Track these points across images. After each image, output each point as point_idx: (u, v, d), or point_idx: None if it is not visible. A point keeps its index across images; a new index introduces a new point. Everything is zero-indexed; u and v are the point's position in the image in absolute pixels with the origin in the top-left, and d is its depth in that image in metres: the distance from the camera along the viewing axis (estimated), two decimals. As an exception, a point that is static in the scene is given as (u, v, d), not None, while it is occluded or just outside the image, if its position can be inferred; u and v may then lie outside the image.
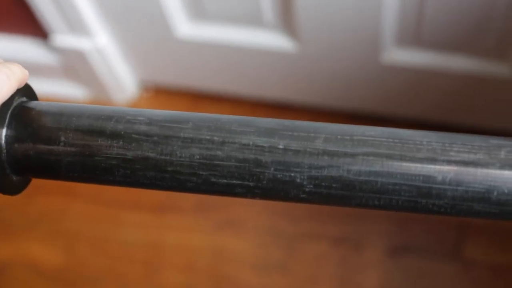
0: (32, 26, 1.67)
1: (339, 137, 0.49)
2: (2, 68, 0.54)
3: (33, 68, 1.76)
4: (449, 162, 0.48)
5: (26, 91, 0.56)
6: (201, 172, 0.51)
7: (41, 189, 1.69)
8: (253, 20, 1.49)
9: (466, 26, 1.34)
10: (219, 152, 0.50)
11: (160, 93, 1.80)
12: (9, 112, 0.53)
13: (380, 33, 1.39)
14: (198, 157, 0.50)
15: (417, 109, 1.60)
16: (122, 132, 0.52)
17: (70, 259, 1.63)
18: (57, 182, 1.60)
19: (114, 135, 0.52)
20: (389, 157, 0.48)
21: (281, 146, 0.49)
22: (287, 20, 1.46)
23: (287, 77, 1.62)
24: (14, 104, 0.54)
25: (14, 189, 0.56)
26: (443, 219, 1.53)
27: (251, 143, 0.50)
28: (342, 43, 1.45)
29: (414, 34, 1.40)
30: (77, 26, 1.57)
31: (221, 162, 0.50)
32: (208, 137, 0.51)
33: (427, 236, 1.54)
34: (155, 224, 1.63)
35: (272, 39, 1.52)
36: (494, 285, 1.48)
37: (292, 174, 0.49)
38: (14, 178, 0.55)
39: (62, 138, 0.52)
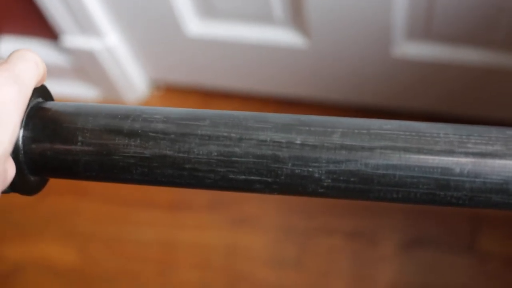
0: (42, 28, 1.67)
1: (356, 131, 0.50)
2: (31, 55, 0.54)
3: (44, 69, 1.76)
4: (467, 154, 0.48)
5: (42, 92, 0.56)
6: (219, 169, 0.51)
7: (53, 189, 1.69)
8: (263, 16, 1.49)
9: (476, 18, 1.34)
10: (236, 149, 0.50)
11: (171, 91, 1.81)
12: (26, 112, 0.53)
13: (390, 27, 1.39)
14: (215, 154, 0.51)
15: (428, 101, 1.60)
16: (139, 131, 0.52)
17: (84, 259, 1.63)
18: (68, 181, 1.60)
19: (131, 134, 0.52)
20: (407, 150, 0.48)
21: (298, 141, 0.50)
22: (296, 16, 1.46)
23: (298, 73, 1.62)
24: (31, 104, 0.54)
25: (31, 190, 0.56)
26: (456, 212, 1.53)
27: (268, 139, 0.50)
28: (352, 37, 1.45)
29: (424, 27, 1.40)
30: (87, 26, 1.58)
31: (239, 159, 0.50)
32: (225, 134, 0.51)
33: (441, 229, 1.54)
34: (169, 222, 1.63)
35: (282, 36, 1.52)
36: (509, 277, 1.48)
37: (310, 169, 0.49)
38: (32, 178, 0.55)
39: (80, 138, 0.52)
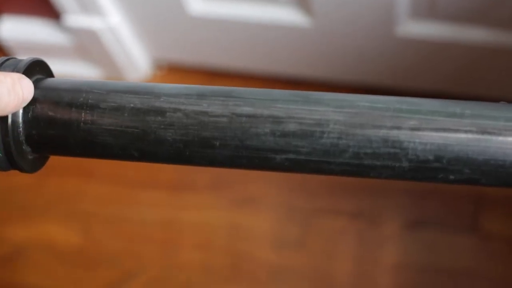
0: (44, 7, 1.67)
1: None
2: (4, 80, 0.51)
3: (46, 49, 1.76)
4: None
5: (42, 69, 0.56)
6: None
7: (56, 170, 1.69)
8: (266, -5, 1.48)
9: (481, -4, 1.33)
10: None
11: (174, 71, 1.80)
12: None
13: (394, 5, 1.38)
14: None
15: (432, 81, 1.60)
16: (142, 107, 0.51)
17: (87, 240, 1.63)
18: (72, 162, 1.59)
19: (133, 111, 0.51)
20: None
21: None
22: (300, -5, 1.45)
23: (301, 52, 1.61)
24: (31, 81, 0.54)
25: (32, 167, 0.55)
26: (459, 192, 1.53)
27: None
28: (356, 16, 1.44)
29: (428, 6, 1.39)
30: (89, 5, 1.57)
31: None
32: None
33: (444, 210, 1.53)
34: (172, 203, 1.63)
35: (285, 14, 1.51)
36: (513, 258, 1.48)
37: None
38: (32, 156, 0.55)
39: (80, 115, 0.52)
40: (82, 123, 0.52)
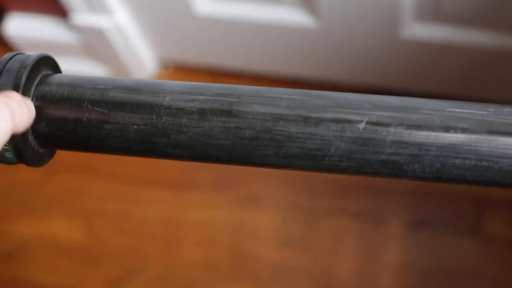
0: (52, 5, 1.67)
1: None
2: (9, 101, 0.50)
3: (53, 47, 1.77)
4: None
5: (50, 64, 0.57)
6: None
7: (61, 167, 1.70)
8: (272, -4, 1.49)
9: (485, -1, 1.34)
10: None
11: (180, 70, 1.81)
12: (34, 84, 0.54)
13: (399, 7, 1.38)
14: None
15: (436, 83, 1.60)
16: (147, 103, 0.52)
17: (91, 237, 1.64)
18: (76, 159, 1.60)
19: (139, 106, 0.52)
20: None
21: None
22: (305, -4, 1.46)
23: (306, 53, 1.62)
24: (39, 77, 0.55)
25: (39, 161, 0.56)
26: (461, 194, 1.53)
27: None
28: (361, 18, 1.45)
29: (433, 8, 1.39)
30: (96, 4, 1.58)
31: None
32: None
33: (446, 211, 1.54)
34: (175, 201, 1.64)
35: (291, 15, 1.52)
36: (514, 260, 1.48)
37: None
38: (40, 150, 0.55)
39: (87, 110, 0.53)
40: (89, 122, 0.53)
